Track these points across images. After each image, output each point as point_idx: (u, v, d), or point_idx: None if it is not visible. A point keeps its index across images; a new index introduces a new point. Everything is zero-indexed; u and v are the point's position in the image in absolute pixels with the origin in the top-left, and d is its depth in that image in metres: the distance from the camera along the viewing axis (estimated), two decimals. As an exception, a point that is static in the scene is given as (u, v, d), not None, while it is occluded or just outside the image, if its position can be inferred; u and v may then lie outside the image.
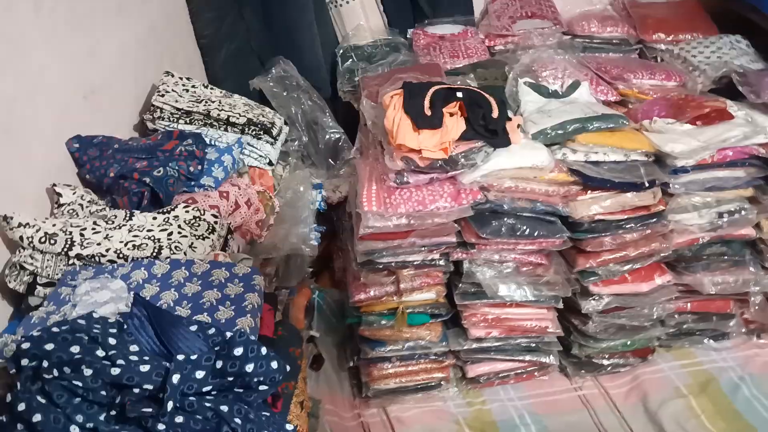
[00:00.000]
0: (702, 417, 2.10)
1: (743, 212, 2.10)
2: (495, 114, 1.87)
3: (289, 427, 1.00)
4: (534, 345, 2.15)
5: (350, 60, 2.64)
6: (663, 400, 2.15)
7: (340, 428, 2.09)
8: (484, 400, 2.20)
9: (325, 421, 2.05)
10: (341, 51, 2.69)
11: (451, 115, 1.86)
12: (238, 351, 0.98)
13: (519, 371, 2.22)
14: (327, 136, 2.44)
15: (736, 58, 2.41)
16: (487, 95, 1.92)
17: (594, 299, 2.07)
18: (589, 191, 1.96)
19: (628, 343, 2.20)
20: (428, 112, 1.83)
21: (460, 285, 2.01)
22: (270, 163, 2.05)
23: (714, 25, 2.71)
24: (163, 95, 1.95)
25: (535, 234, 1.92)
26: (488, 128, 1.85)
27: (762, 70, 2.33)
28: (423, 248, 1.94)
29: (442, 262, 1.98)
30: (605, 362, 2.22)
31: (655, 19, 2.75)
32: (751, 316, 2.30)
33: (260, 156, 2.02)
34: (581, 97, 2.14)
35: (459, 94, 1.89)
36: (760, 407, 2.12)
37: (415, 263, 1.97)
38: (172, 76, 2.05)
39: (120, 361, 0.98)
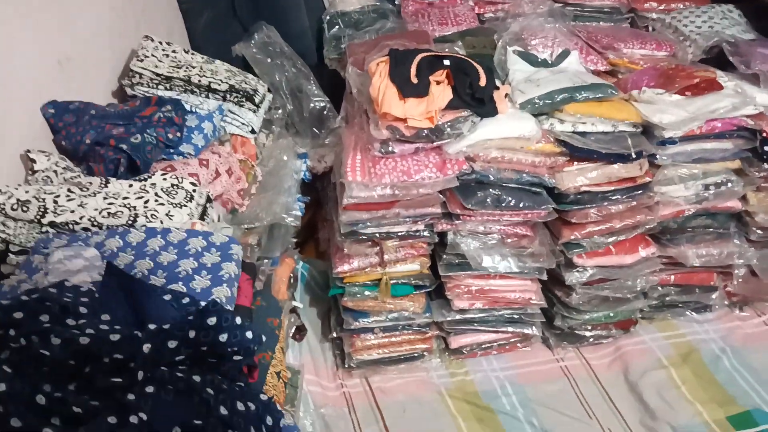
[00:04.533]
0: (682, 388, 2.12)
1: (729, 184, 2.09)
2: (482, 82, 1.84)
3: (263, 397, 0.98)
4: (517, 316, 2.15)
5: (336, 27, 2.59)
6: (644, 371, 2.16)
7: (322, 398, 2.09)
8: (467, 371, 2.20)
9: (307, 391, 2.04)
10: (327, 17, 2.63)
11: (438, 83, 1.82)
12: (212, 321, 0.96)
13: (502, 342, 2.22)
14: (312, 105, 2.39)
15: (727, 28, 2.39)
16: (474, 63, 1.88)
17: (578, 271, 2.07)
18: (575, 162, 1.94)
19: (611, 314, 2.20)
20: (414, 80, 1.80)
21: (445, 256, 2.00)
22: (252, 131, 2.00)
23: (707, -6, 2.67)
24: (142, 60, 1.90)
25: (521, 205, 1.91)
26: (475, 97, 1.82)
27: (753, 41, 2.30)
28: (407, 219, 1.92)
29: (426, 233, 1.97)
30: (588, 334, 2.23)
31: (647, -14, 2.71)
32: (734, 289, 2.31)
33: (242, 124, 1.98)
34: (570, 67, 2.11)
35: (446, 62, 1.85)
36: (740, 378, 2.14)
37: (399, 234, 1.95)
38: (152, 40, 1.99)
39: (90, 330, 0.95)
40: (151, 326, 0.96)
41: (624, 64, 2.26)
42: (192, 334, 0.97)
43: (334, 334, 2.19)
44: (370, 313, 2.07)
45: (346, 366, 2.17)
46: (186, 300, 1.04)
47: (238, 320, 0.98)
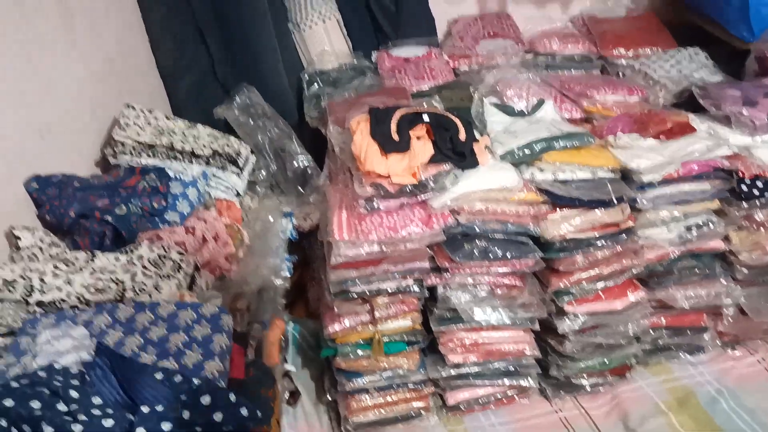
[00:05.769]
0: (683, 433, 2.10)
1: (711, 225, 2.11)
2: (462, 136, 1.86)
3: (262, 476, 0.96)
4: (512, 368, 2.12)
5: (316, 85, 2.62)
6: (643, 418, 2.12)
7: (320, 464, 2.04)
8: (466, 428, 2.15)
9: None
10: (306, 76, 2.67)
11: (419, 138, 1.85)
12: (206, 400, 0.94)
13: (499, 396, 2.19)
14: (295, 164, 2.41)
15: (695, 71, 2.46)
16: (453, 117, 1.92)
17: (569, 319, 2.05)
18: (558, 210, 1.95)
19: (606, 361, 2.18)
20: (395, 137, 1.82)
21: (436, 310, 1.99)
22: (237, 194, 2.01)
23: (672, 38, 2.76)
24: (124, 129, 1.91)
25: (508, 255, 1.91)
26: (456, 150, 1.84)
27: (721, 83, 2.37)
28: (396, 275, 1.91)
29: (416, 288, 1.95)
30: (584, 382, 2.20)
31: (615, 34, 2.80)
32: (725, 329, 2.30)
33: (227, 187, 1.99)
34: (546, 116, 2.16)
35: (425, 117, 1.88)
36: (739, 420, 2.11)
37: (389, 290, 1.93)
38: (134, 108, 2.01)
39: (82, 417, 0.93)
40: (144, 409, 0.93)
41: (598, 111, 2.31)
42: (186, 414, 0.94)
43: (329, 397, 2.14)
44: (364, 372, 2.03)
45: (343, 430, 2.11)
46: (178, 378, 1.02)
47: (233, 397, 0.96)
